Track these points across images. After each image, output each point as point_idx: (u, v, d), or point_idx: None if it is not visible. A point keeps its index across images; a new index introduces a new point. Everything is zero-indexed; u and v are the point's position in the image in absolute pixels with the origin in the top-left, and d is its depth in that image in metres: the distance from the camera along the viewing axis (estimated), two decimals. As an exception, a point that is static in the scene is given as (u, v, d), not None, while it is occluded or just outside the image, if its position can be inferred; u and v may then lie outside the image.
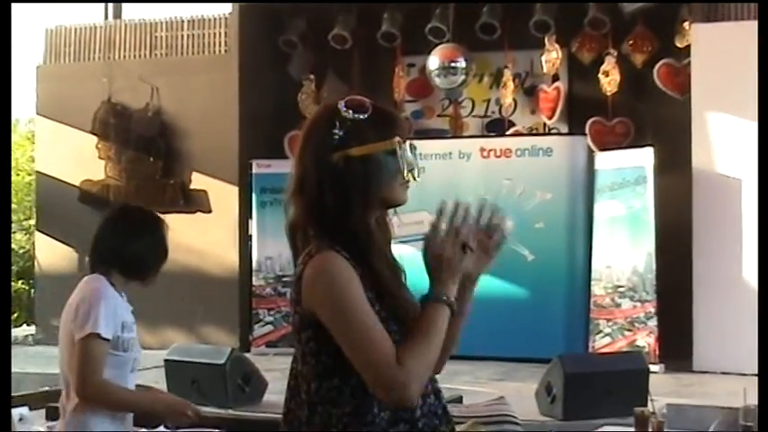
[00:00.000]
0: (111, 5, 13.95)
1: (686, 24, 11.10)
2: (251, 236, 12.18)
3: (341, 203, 2.41)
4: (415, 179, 2.48)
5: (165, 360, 8.08)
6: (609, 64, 11.57)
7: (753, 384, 4.31)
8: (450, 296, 2.40)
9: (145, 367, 10.36)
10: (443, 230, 2.40)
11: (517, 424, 5.16)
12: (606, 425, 5.71)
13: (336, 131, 2.43)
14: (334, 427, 2.37)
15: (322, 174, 2.42)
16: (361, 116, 2.45)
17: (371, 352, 2.30)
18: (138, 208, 4.28)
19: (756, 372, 4.30)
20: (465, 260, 2.42)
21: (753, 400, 4.11)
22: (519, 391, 8.02)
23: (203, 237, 12.33)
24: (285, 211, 2.52)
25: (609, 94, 11.60)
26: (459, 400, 6.46)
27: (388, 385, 2.29)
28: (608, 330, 10.78)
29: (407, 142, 2.48)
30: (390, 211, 2.54)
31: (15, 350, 12.32)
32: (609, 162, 11.09)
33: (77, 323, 3.65)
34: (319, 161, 2.43)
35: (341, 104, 2.47)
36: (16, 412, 3.64)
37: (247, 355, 9.63)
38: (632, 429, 4.91)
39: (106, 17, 13.81)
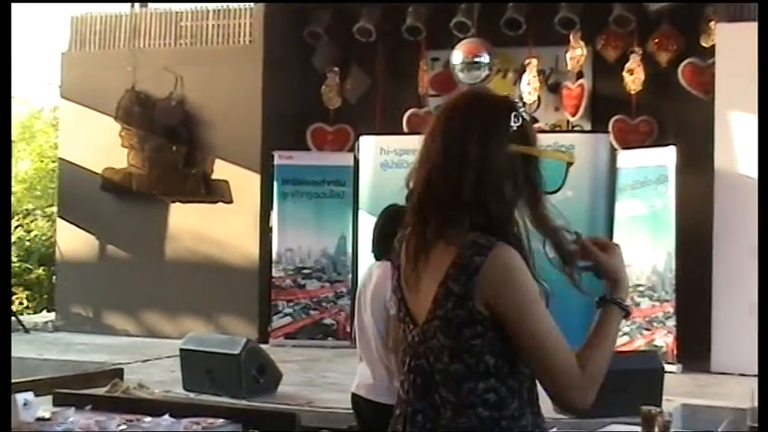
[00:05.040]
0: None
1: (711, 24, 11.06)
2: (272, 227, 12.16)
3: (511, 195, 2.35)
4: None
5: (181, 349, 8.11)
6: (633, 62, 11.54)
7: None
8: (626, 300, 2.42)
9: (161, 356, 10.46)
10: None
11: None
12: (615, 423, 5.69)
13: (514, 124, 2.39)
14: (489, 431, 2.26)
15: (495, 161, 2.34)
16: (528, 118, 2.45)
17: (556, 357, 2.26)
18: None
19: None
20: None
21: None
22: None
23: (224, 227, 12.35)
24: (407, 183, 2.40)
25: (633, 92, 11.57)
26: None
27: (571, 390, 2.25)
28: (626, 329, 10.73)
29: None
30: None
31: (34, 336, 12.32)
32: (631, 160, 11.06)
33: None
34: (492, 147, 2.35)
35: (517, 100, 2.49)
36: (21, 397, 3.64)
37: (265, 346, 9.64)
38: (639, 429, 4.91)
39: (132, 5, 13.84)
